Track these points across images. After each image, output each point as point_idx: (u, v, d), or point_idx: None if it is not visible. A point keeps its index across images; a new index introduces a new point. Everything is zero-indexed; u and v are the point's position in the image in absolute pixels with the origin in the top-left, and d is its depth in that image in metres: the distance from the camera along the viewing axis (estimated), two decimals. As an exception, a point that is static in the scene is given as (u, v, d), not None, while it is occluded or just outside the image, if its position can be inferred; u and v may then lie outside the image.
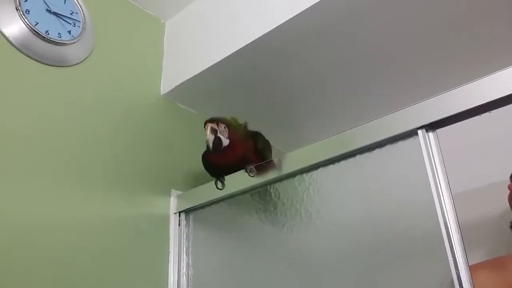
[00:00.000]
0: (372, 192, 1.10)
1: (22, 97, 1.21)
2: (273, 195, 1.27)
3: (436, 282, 0.92)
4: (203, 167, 1.42)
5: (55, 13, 1.31)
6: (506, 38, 1.47)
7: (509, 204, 1.34)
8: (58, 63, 1.31)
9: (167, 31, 1.72)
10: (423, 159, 0.96)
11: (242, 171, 1.28)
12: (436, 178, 0.94)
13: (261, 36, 1.37)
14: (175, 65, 1.62)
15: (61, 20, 1.32)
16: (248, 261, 1.31)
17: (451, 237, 0.88)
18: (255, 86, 1.63)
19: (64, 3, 1.35)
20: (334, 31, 1.39)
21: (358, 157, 1.10)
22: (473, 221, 1.57)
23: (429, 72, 1.62)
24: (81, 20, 1.37)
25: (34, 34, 1.25)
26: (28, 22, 1.23)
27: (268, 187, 1.27)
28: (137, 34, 1.62)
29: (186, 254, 1.39)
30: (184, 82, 1.54)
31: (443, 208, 0.91)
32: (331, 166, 1.15)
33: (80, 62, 1.37)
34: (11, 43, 1.22)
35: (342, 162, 1.13)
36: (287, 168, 1.21)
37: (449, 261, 0.87)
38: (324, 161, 1.15)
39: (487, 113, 0.92)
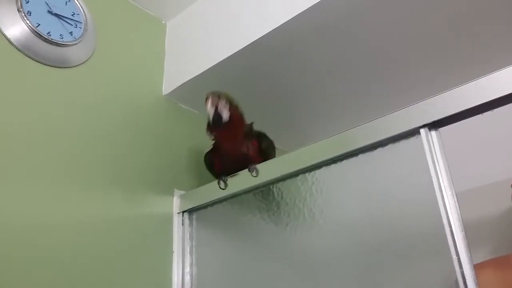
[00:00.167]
0: (375, 192, 1.10)
1: (24, 98, 1.21)
2: (276, 194, 1.27)
3: (440, 281, 0.92)
4: (205, 167, 1.42)
5: (56, 15, 1.31)
6: (507, 37, 1.47)
7: (513, 202, 1.34)
8: (60, 64, 1.31)
9: (168, 31, 1.72)
10: (426, 158, 0.96)
11: (245, 170, 1.28)
12: (439, 177, 0.94)
13: (262, 37, 1.37)
14: (176, 65, 1.62)
15: (62, 21, 1.32)
16: (251, 260, 1.31)
17: (455, 236, 0.88)
18: (256, 86, 1.63)
19: (66, 4, 1.35)
20: (335, 31, 1.39)
21: (360, 156, 1.10)
22: (476, 220, 1.57)
23: (430, 71, 1.62)
24: (82, 21, 1.38)
25: (36, 36, 1.25)
26: (29, 24, 1.24)
27: (271, 186, 1.28)
28: (139, 35, 1.62)
29: (189, 254, 1.39)
30: (185, 82, 1.54)
31: (446, 207, 0.91)
32: (333, 166, 1.15)
33: (82, 63, 1.37)
34: (13, 45, 1.22)
35: (344, 162, 1.13)
36: (289, 168, 1.21)
37: (453, 259, 0.87)
38: (326, 161, 1.15)
39: (489, 112, 0.92)
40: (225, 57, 1.44)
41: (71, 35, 1.33)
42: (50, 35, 1.27)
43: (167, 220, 1.42)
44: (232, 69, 1.50)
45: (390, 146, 1.05)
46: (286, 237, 1.23)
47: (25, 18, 1.23)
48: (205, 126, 1.31)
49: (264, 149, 1.35)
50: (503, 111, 0.90)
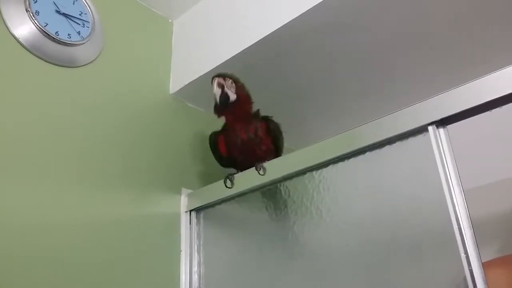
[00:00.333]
0: (382, 189, 1.09)
1: (32, 97, 1.22)
2: (283, 193, 1.27)
3: (449, 279, 0.92)
4: (213, 164, 1.43)
5: (64, 14, 1.32)
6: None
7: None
8: (68, 64, 1.32)
9: (175, 30, 1.72)
10: (434, 155, 0.96)
11: (252, 169, 1.28)
12: (447, 175, 0.93)
13: (268, 35, 1.37)
14: (183, 64, 1.62)
15: (70, 21, 1.33)
16: (259, 258, 1.31)
17: (463, 233, 0.88)
18: (262, 84, 1.62)
19: (73, 4, 1.36)
20: (341, 29, 1.39)
21: (368, 154, 1.10)
22: (484, 218, 1.56)
23: (438, 68, 1.61)
24: (90, 21, 1.38)
25: (44, 35, 1.25)
26: (38, 23, 1.24)
27: (278, 185, 1.28)
28: (146, 34, 1.62)
29: (197, 252, 1.39)
30: (192, 81, 1.55)
31: (454, 204, 0.91)
32: (341, 164, 1.15)
33: (90, 62, 1.38)
34: (21, 44, 1.23)
35: (352, 159, 1.13)
36: (297, 166, 1.21)
37: (462, 257, 0.87)
38: (334, 159, 1.15)
39: (497, 109, 0.91)
40: (232, 55, 1.45)
41: (79, 34, 1.34)
42: (58, 35, 1.28)
43: (175, 219, 1.43)
44: (239, 67, 1.50)
45: (398, 143, 1.05)
46: (293, 235, 1.23)
47: (33, 18, 1.24)
48: (212, 108, 1.31)
49: (272, 130, 1.34)
50: (511, 108, 0.89)
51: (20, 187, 1.11)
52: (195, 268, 1.38)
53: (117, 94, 1.43)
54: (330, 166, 1.17)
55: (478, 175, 1.58)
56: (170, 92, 1.60)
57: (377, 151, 1.08)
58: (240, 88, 1.31)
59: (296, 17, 1.31)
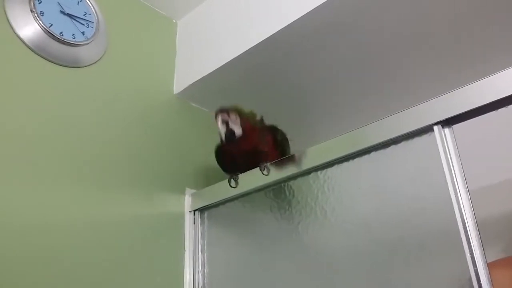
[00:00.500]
0: (387, 189, 1.09)
1: (36, 98, 1.22)
2: (287, 193, 1.27)
3: (454, 279, 0.91)
4: (217, 164, 1.41)
5: (69, 15, 1.33)
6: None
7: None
8: (72, 64, 1.32)
9: (179, 30, 1.73)
10: (439, 155, 0.96)
11: (256, 169, 1.28)
12: (452, 175, 0.93)
13: (272, 35, 1.37)
14: (187, 64, 1.62)
15: (74, 21, 1.33)
16: (263, 258, 1.31)
17: (469, 233, 0.88)
18: (267, 84, 1.63)
19: (78, 4, 1.37)
20: (346, 29, 1.39)
21: (373, 154, 1.10)
22: (490, 218, 1.55)
23: (443, 68, 1.61)
24: (94, 21, 1.38)
25: (49, 36, 1.26)
26: (42, 24, 1.25)
27: (282, 185, 1.27)
28: (150, 34, 1.63)
29: (201, 252, 1.39)
30: (196, 81, 1.55)
31: (460, 204, 0.91)
32: (345, 164, 1.15)
33: (94, 62, 1.38)
34: (26, 45, 1.23)
35: (357, 159, 1.12)
36: (301, 166, 1.21)
37: (467, 258, 0.86)
38: (338, 159, 1.15)
39: (503, 108, 0.91)
40: (236, 55, 1.45)
41: (83, 35, 1.34)
42: (62, 35, 1.28)
43: (179, 219, 1.43)
44: (243, 67, 1.50)
45: (403, 143, 1.05)
46: (298, 235, 1.23)
47: (38, 19, 1.24)
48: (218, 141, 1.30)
49: (279, 141, 1.32)
50: (517, 108, 0.89)
51: (23, 187, 1.12)
52: (199, 268, 1.38)
53: (121, 94, 1.43)
54: (335, 166, 1.17)
55: (483, 175, 1.57)
56: (174, 92, 1.60)
57: (382, 151, 1.08)
58: (245, 121, 1.28)
59: (300, 17, 1.31)
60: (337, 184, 1.16)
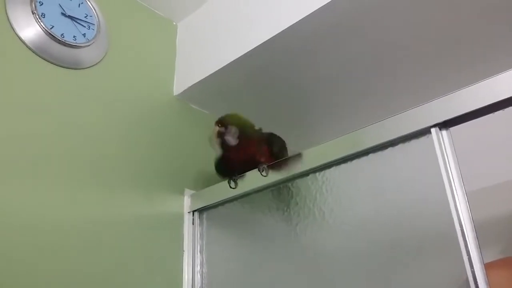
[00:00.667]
0: (385, 191, 1.09)
1: (38, 99, 1.23)
2: (286, 194, 1.27)
3: (451, 281, 0.92)
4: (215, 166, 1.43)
5: (70, 17, 1.33)
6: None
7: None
8: (73, 66, 1.33)
9: (179, 32, 1.73)
10: (437, 157, 0.96)
11: (255, 170, 1.29)
12: (450, 177, 0.94)
13: (272, 37, 1.37)
14: (187, 66, 1.63)
15: (76, 23, 1.34)
16: (261, 259, 1.31)
17: (466, 235, 0.88)
18: (267, 86, 1.63)
19: (79, 6, 1.37)
20: (346, 31, 1.39)
21: (371, 155, 1.10)
22: (486, 219, 1.56)
23: (442, 71, 1.61)
24: (95, 23, 1.39)
25: (50, 37, 1.26)
26: (44, 26, 1.25)
27: (281, 186, 1.28)
28: (150, 36, 1.63)
29: (200, 253, 1.40)
30: (196, 83, 1.55)
31: (457, 206, 0.91)
32: (343, 165, 1.15)
33: (95, 64, 1.39)
34: (27, 46, 1.24)
35: (355, 161, 1.13)
36: (300, 167, 1.21)
37: (464, 259, 0.87)
38: (336, 160, 1.15)
39: (501, 111, 0.92)
40: (236, 57, 1.45)
41: (84, 36, 1.35)
42: (63, 37, 1.29)
43: (178, 220, 1.43)
44: (243, 69, 1.51)
45: (400, 145, 1.05)
46: (296, 236, 1.23)
47: (39, 20, 1.25)
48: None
49: (276, 153, 1.32)
50: (514, 110, 0.90)
51: (23, 187, 1.12)
52: (198, 268, 1.38)
53: (122, 96, 1.44)
54: (333, 168, 1.17)
55: (480, 177, 1.57)
56: (174, 94, 1.61)
57: (380, 153, 1.08)
58: (242, 133, 1.29)
59: (299, 20, 1.31)
60: (335, 185, 1.17)
